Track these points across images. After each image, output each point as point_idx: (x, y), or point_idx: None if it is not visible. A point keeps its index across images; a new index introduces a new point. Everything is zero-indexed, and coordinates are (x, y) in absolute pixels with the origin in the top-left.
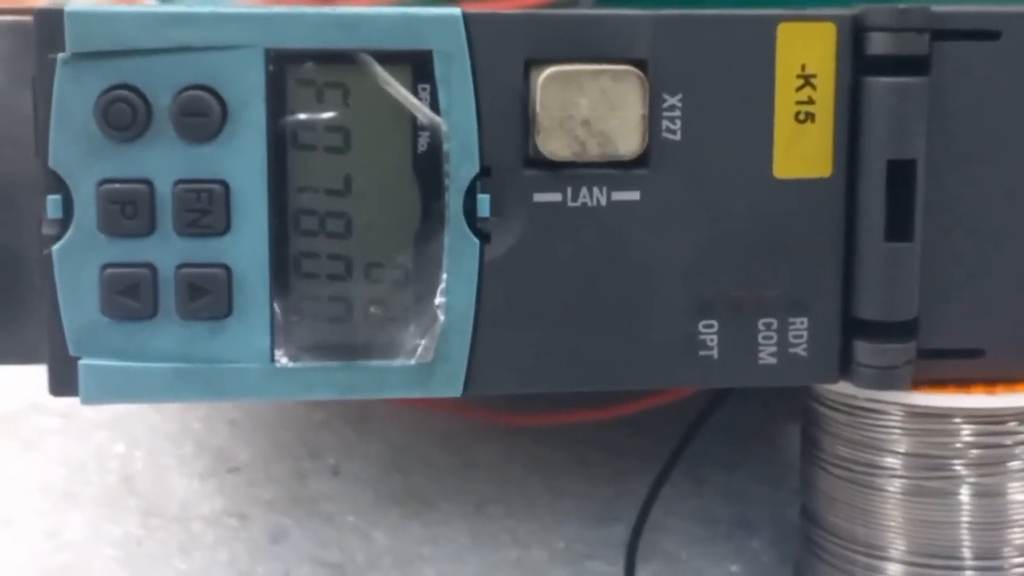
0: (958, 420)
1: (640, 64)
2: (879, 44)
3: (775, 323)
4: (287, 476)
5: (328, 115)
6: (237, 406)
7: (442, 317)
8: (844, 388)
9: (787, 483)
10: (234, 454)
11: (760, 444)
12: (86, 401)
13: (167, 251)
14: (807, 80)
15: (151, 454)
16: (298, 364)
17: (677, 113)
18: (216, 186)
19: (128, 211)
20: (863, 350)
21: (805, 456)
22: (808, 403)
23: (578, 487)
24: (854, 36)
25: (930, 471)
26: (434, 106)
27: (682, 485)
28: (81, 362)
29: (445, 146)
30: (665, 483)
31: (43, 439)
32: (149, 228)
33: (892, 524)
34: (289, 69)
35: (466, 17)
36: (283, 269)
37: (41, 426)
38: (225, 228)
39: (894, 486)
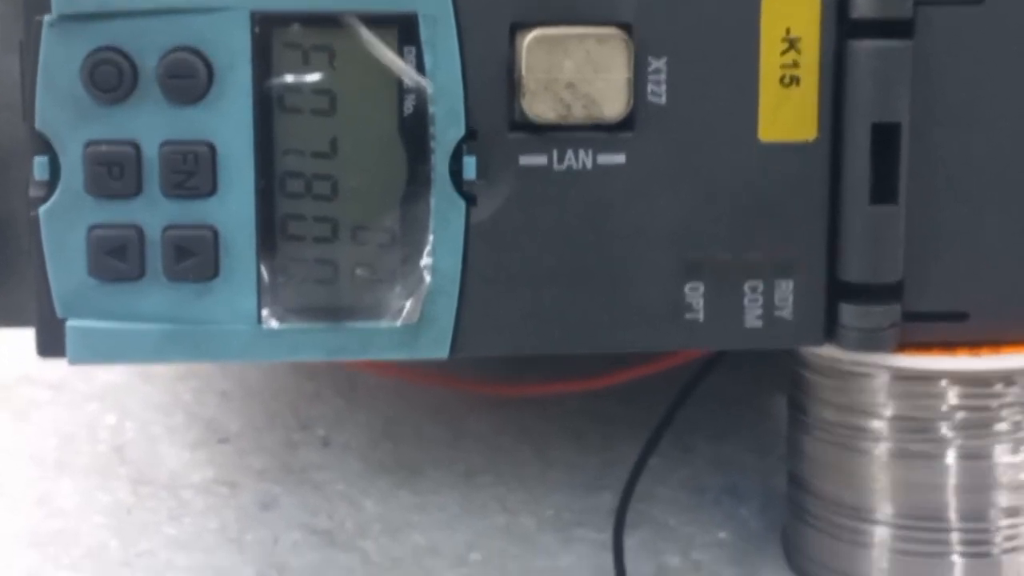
0: (943, 382)
1: (625, 27)
2: (863, 7)
3: (761, 286)
4: (277, 446)
5: (314, 77)
6: (227, 377)
7: (428, 279)
8: (830, 352)
9: (775, 451)
10: (225, 424)
11: (748, 413)
12: (73, 362)
13: (154, 212)
14: (792, 44)
15: (142, 424)
16: (285, 326)
17: (662, 76)
18: (202, 148)
19: (115, 172)
20: (848, 312)
21: (792, 422)
22: (794, 368)
23: (568, 456)
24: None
25: (916, 434)
26: (420, 68)
27: (671, 454)
28: (69, 323)
29: (431, 109)
30: (653, 452)
31: (34, 410)
32: (136, 189)
33: (878, 487)
34: (275, 31)
35: None
36: (270, 231)
37: (32, 397)
38: (211, 190)
39: (880, 449)
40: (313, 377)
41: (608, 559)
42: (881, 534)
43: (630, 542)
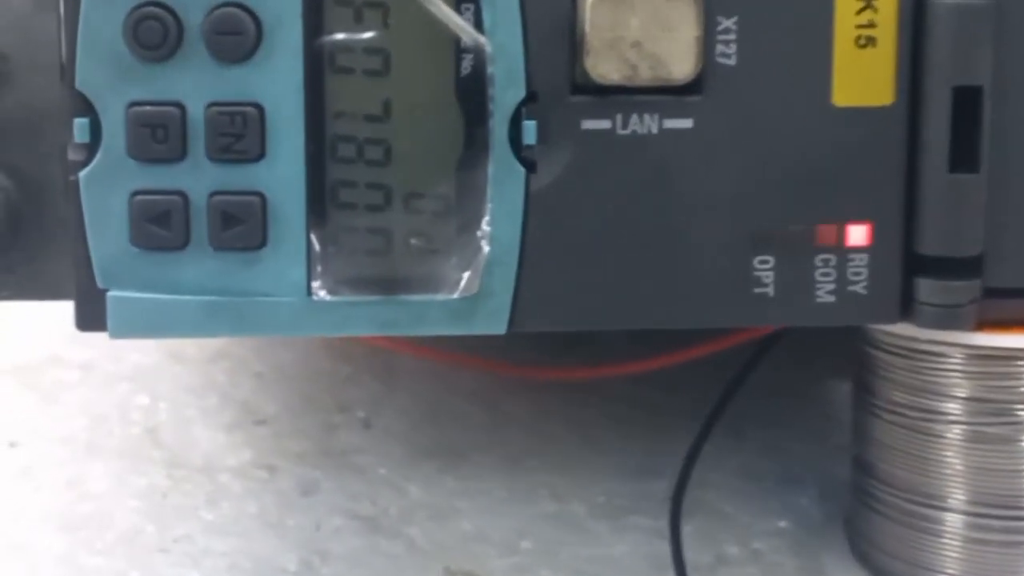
0: (1023, 363)
1: None
2: None
3: (834, 259)
4: (316, 429)
5: (367, 36)
6: (261, 358)
7: (486, 249)
8: (902, 329)
9: (830, 437)
10: (260, 407)
11: (798, 397)
12: (115, 335)
13: (199, 177)
14: (868, 3)
15: (175, 406)
16: (336, 298)
17: (732, 36)
18: (250, 109)
19: (159, 135)
20: (925, 287)
21: (858, 404)
22: (861, 347)
23: (614, 442)
24: None
25: (992, 416)
26: (478, 26)
27: (721, 441)
28: (109, 294)
29: (489, 69)
30: (708, 436)
31: (63, 391)
32: (180, 153)
33: (952, 473)
34: None
35: None
36: (320, 198)
37: (61, 378)
38: (260, 154)
39: (954, 433)
40: (350, 359)
41: (663, 547)
42: (953, 522)
43: (686, 530)
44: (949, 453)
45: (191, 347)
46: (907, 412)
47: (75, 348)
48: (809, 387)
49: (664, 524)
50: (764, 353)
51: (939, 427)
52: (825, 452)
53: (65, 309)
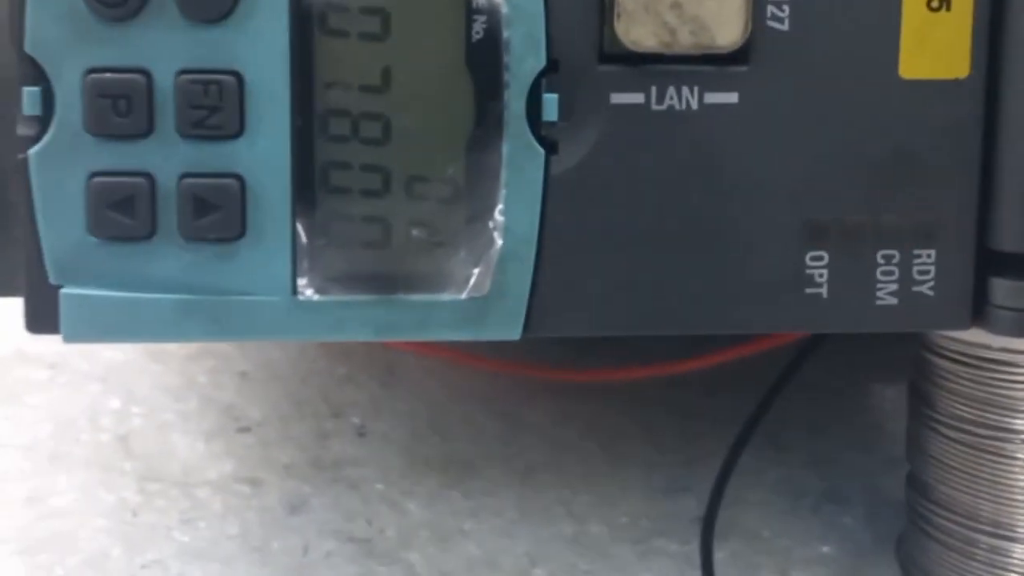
0: None
1: None
2: None
3: (897, 256)
4: (306, 437)
5: None
6: (247, 357)
7: (499, 242)
8: (970, 335)
9: (877, 449)
10: (245, 411)
11: (844, 404)
12: (69, 339)
13: (168, 157)
14: None
15: (150, 411)
16: (325, 298)
17: None
18: (227, 77)
19: (121, 107)
20: (1001, 289)
21: (914, 415)
22: (920, 353)
23: (641, 453)
24: None
25: None
26: None
27: (760, 452)
28: (63, 291)
29: (505, 33)
30: (745, 446)
31: (28, 392)
32: (146, 128)
33: (1021, 499)
34: None
35: None
36: (308, 182)
37: (25, 377)
38: (238, 130)
39: None
40: (345, 357)
41: None
42: (1023, 555)
43: (718, 556)
44: (1021, 477)
45: (169, 344)
46: (972, 428)
47: (41, 343)
48: (854, 390)
49: (694, 549)
50: (808, 354)
51: (1010, 447)
52: (872, 465)
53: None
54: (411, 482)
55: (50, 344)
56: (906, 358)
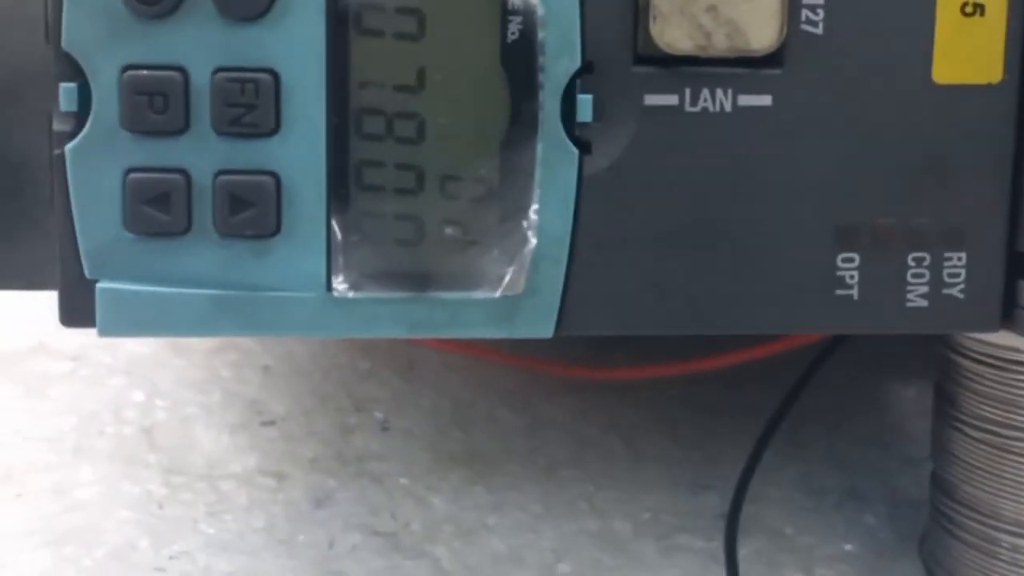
0: None
1: None
2: None
3: (927, 258)
4: (330, 431)
5: None
6: (270, 351)
7: (533, 241)
8: (996, 337)
9: (897, 446)
10: (269, 405)
11: (864, 403)
12: (104, 333)
13: (204, 154)
14: None
15: (174, 404)
16: (359, 294)
17: (820, 1)
18: (263, 76)
19: (157, 104)
20: None
21: (938, 416)
22: (945, 353)
23: (663, 450)
24: None
25: None
26: None
27: (781, 449)
28: (99, 286)
29: (540, 34)
30: (768, 443)
31: (51, 385)
32: (182, 125)
33: None
34: None
35: None
36: (342, 180)
37: (49, 370)
38: (274, 128)
39: None
40: (367, 352)
41: (717, 572)
42: None
43: (742, 552)
44: None
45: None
46: (997, 429)
47: (64, 336)
48: (876, 389)
49: (717, 545)
50: (831, 353)
51: None
52: (894, 463)
53: (53, 294)
54: (435, 477)
55: (72, 337)
56: (926, 358)
